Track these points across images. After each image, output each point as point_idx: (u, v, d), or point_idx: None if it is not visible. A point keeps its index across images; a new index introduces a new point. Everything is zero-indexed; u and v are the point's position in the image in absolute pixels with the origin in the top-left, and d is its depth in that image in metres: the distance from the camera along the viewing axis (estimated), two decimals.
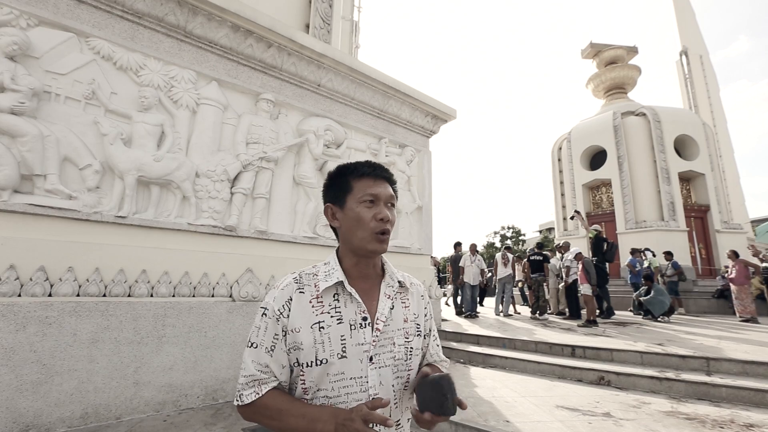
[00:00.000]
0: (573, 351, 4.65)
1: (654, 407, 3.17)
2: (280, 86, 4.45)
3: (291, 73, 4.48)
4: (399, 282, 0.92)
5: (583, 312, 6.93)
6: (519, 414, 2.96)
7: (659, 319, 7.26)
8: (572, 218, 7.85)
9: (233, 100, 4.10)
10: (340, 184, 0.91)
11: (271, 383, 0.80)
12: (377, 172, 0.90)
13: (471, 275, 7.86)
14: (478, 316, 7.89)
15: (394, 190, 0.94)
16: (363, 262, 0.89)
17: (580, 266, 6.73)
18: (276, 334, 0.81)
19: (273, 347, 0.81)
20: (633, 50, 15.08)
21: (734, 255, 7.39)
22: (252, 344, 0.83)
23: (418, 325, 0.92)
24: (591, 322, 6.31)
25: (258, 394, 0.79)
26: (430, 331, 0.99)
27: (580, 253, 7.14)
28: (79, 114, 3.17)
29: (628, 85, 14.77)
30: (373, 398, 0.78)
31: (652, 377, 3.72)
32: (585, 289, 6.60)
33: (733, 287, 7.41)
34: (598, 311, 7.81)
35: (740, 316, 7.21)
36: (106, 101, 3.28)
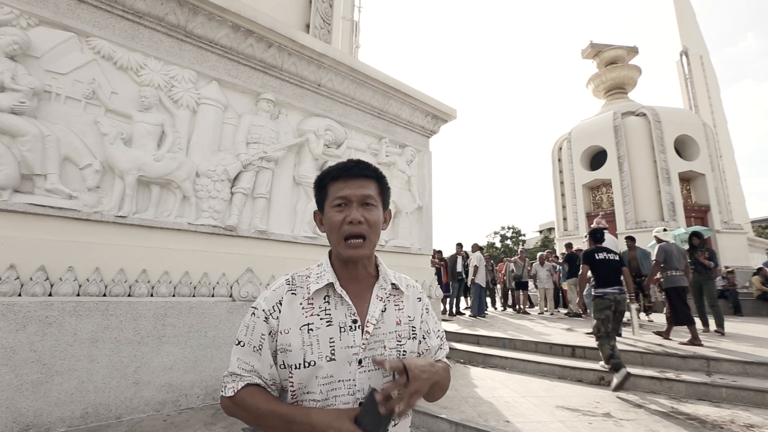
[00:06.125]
0: (573, 351, 4.65)
1: (654, 407, 3.17)
2: (281, 86, 4.44)
3: (291, 73, 4.47)
4: (392, 284, 0.90)
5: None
6: (519, 414, 2.96)
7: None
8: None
9: (233, 100, 4.10)
10: (320, 190, 0.90)
11: (250, 381, 0.80)
12: (350, 171, 0.86)
13: (482, 276, 7.94)
14: (486, 316, 7.99)
15: (382, 185, 0.90)
16: (351, 264, 0.86)
17: None
18: (263, 334, 0.81)
19: (260, 346, 0.81)
20: (633, 50, 15.09)
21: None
22: (239, 342, 0.83)
23: (413, 328, 0.89)
24: None
25: (234, 389, 0.79)
26: (429, 333, 0.94)
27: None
28: (80, 114, 3.17)
29: (629, 86, 14.78)
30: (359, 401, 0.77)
31: (652, 377, 3.73)
32: None
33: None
34: None
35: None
36: (106, 101, 3.27)
